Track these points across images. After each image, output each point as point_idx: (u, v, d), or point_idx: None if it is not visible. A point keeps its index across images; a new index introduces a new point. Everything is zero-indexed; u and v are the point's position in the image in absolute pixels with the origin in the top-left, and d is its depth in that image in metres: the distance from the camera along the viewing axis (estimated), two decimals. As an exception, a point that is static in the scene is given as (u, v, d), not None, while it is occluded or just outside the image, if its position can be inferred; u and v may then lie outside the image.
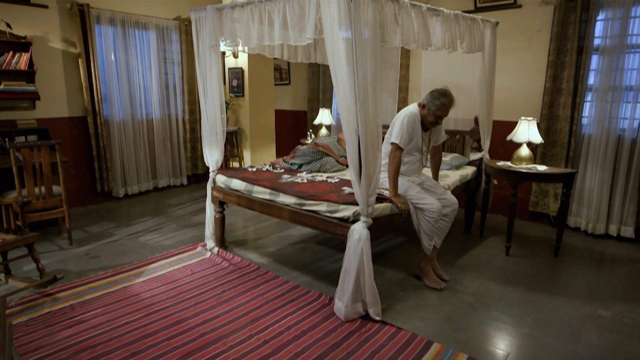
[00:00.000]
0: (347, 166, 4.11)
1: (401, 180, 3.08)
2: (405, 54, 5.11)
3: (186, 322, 2.65)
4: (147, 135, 5.61)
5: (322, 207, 2.84)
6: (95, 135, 5.04)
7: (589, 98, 4.11)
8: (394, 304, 2.89)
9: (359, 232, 2.56)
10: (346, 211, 2.70)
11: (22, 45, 4.33)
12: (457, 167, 3.98)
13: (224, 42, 3.21)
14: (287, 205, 3.07)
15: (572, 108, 4.11)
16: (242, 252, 3.77)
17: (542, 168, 3.62)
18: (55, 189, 3.87)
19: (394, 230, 4.28)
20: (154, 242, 4.02)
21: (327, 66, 5.93)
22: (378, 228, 2.77)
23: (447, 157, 4.06)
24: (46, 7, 4.56)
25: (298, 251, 3.85)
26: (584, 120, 4.16)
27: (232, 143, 5.62)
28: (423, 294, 3.04)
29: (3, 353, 1.61)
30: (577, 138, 4.15)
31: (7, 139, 4.21)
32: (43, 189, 3.72)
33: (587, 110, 4.13)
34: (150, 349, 2.36)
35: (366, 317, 2.68)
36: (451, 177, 3.75)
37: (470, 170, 3.96)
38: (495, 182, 4.58)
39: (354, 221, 2.65)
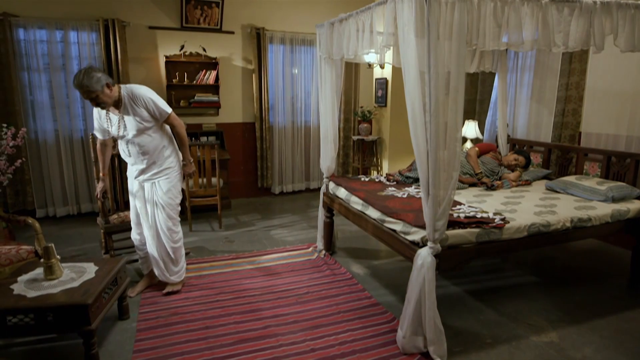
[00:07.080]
0: (468, 184, 3.69)
1: None
2: (579, 56, 4.17)
3: (260, 312, 2.89)
4: (304, 141, 6.20)
5: (398, 226, 2.65)
6: (260, 139, 5.87)
7: None
8: (473, 350, 2.46)
9: (422, 258, 2.30)
10: (416, 235, 2.46)
11: (212, 64, 5.44)
12: (616, 200, 3.04)
13: (369, 52, 3.26)
14: (373, 219, 2.97)
15: None
16: (345, 260, 3.82)
17: None
18: (216, 181, 4.72)
19: (520, 267, 3.61)
20: (280, 237, 4.45)
21: (487, 74, 5.37)
22: (454, 258, 2.43)
23: (603, 186, 3.15)
24: (233, 32, 5.58)
25: (401, 269, 3.64)
26: None
27: (372, 152, 5.67)
28: (518, 349, 2.49)
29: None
30: None
31: (193, 139, 5.35)
32: (205, 180, 4.61)
33: None
34: (219, 327, 2.69)
35: (427, 355, 2.38)
36: (598, 210, 2.91)
37: (637, 205, 2.98)
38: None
39: (424, 246, 2.39)
